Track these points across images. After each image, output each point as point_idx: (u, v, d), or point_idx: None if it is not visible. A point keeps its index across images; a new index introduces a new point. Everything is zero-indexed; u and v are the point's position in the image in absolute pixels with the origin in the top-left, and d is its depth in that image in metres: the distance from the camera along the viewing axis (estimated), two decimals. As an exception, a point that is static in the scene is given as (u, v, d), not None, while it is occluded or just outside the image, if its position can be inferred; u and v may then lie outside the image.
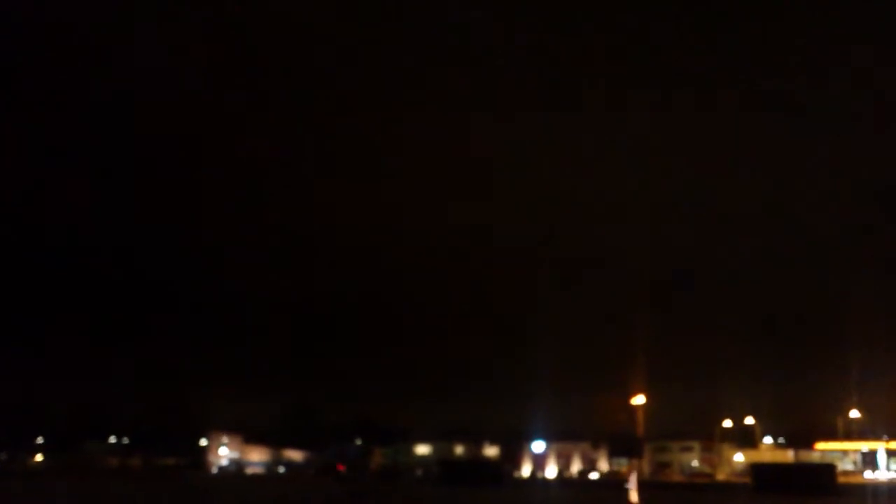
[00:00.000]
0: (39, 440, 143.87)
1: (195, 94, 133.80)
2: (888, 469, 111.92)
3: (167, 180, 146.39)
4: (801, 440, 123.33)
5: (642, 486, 66.22)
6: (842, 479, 73.50)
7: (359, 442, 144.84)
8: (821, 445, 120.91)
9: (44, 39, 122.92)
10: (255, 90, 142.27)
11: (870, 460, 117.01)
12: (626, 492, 46.97)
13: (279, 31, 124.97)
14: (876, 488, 71.33)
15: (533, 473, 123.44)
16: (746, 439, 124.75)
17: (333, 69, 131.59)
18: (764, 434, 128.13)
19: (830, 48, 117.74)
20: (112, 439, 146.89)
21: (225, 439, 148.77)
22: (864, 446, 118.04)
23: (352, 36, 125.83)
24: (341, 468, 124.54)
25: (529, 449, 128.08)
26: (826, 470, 64.31)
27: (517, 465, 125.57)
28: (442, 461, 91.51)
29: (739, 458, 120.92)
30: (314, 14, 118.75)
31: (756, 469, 69.88)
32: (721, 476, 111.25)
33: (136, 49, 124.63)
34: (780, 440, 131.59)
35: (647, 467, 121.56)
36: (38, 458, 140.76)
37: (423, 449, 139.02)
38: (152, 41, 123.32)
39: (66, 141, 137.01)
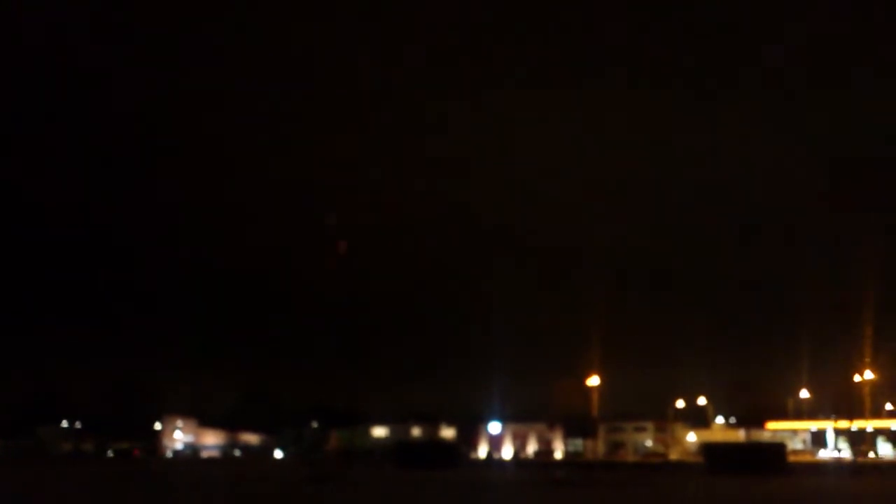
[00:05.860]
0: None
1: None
2: (836, 448, 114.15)
3: (124, 151, 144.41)
4: (753, 420, 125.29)
5: (595, 466, 66.64)
6: (792, 458, 74.71)
7: (315, 425, 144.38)
8: (771, 425, 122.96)
9: None
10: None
11: (819, 439, 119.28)
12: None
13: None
14: (824, 466, 72.74)
15: (489, 454, 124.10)
16: (699, 419, 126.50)
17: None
18: (716, 414, 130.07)
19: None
20: (64, 424, 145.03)
21: (179, 423, 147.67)
22: (814, 426, 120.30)
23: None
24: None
25: (486, 430, 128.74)
26: (776, 449, 65.13)
27: (473, 447, 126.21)
28: (397, 443, 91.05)
29: (692, 437, 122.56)
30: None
31: (708, 448, 70.63)
32: (674, 456, 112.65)
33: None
34: (732, 420, 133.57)
35: (601, 447, 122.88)
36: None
37: (379, 431, 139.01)
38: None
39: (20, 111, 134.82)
